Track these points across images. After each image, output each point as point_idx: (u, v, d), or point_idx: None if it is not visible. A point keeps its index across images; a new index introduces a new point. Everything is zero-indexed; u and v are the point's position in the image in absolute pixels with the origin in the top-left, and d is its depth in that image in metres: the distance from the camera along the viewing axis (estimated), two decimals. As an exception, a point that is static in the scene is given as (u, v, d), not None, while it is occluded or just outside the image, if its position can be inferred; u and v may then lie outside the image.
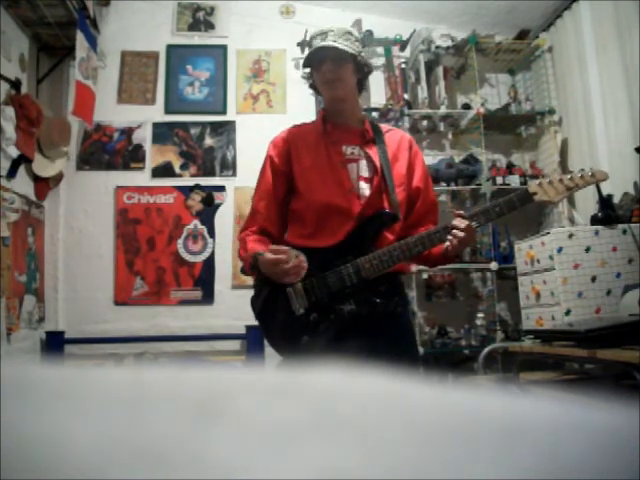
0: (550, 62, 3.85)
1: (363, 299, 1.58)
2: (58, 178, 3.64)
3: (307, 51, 1.69)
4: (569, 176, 1.59)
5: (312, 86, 1.78)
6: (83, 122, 3.62)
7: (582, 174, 1.59)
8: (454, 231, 1.54)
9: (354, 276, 1.57)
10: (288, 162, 1.70)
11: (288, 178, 1.70)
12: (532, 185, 1.60)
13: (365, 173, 1.68)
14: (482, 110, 3.61)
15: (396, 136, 1.77)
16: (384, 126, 1.81)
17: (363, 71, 1.72)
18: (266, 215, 1.70)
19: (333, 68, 1.64)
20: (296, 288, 1.60)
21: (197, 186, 3.81)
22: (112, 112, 3.83)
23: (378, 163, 1.67)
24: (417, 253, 1.58)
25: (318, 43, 1.63)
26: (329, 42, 1.62)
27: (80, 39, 3.28)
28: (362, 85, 1.77)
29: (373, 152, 1.69)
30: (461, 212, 1.59)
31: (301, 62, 3.87)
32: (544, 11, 3.73)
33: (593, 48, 3.37)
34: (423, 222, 1.72)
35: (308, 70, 1.74)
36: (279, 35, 3.99)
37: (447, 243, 1.55)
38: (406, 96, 3.76)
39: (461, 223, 1.54)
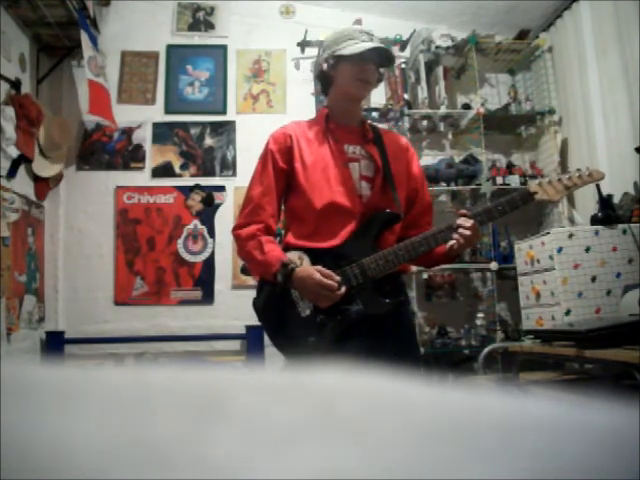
0: (550, 62, 3.85)
1: (369, 299, 1.58)
2: (58, 178, 3.64)
3: (347, 43, 1.63)
4: (567, 176, 1.63)
5: (323, 74, 1.72)
6: (104, 121, 3.63)
7: (580, 174, 1.63)
8: (460, 230, 1.54)
9: (360, 276, 1.57)
10: (289, 159, 1.67)
11: (287, 175, 1.68)
12: (532, 185, 1.64)
13: (367, 173, 1.68)
14: (482, 110, 3.61)
15: (393, 137, 1.80)
16: (381, 128, 1.84)
17: (377, 82, 1.75)
18: (270, 212, 1.65)
19: (375, 71, 1.67)
20: None
21: (197, 186, 3.81)
22: (112, 112, 3.83)
23: (379, 163, 1.67)
24: (422, 252, 1.58)
25: (367, 41, 1.63)
26: (382, 45, 1.65)
27: (85, 39, 3.28)
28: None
29: (374, 152, 1.69)
30: (465, 211, 1.60)
31: (301, 62, 3.89)
32: (544, 11, 3.73)
33: (593, 48, 3.36)
34: (419, 223, 1.73)
35: (327, 54, 1.66)
36: (279, 35, 3.99)
37: (452, 242, 1.56)
38: (406, 96, 3.76)
39: (466, 222, 1.55)
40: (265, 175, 1.68)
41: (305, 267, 1.55)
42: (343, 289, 1.54)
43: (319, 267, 1.55)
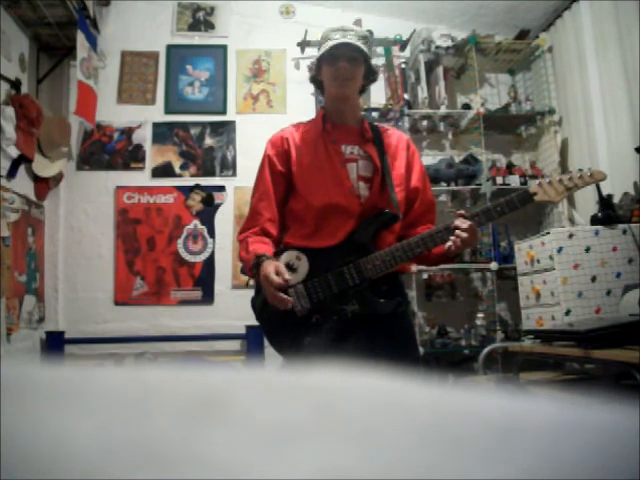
0: (550, 62, 3.85)
1: (366, 299, 1.58)
2: (58, 178, 3.64)
3: (324, 45, 1.65)
4: (568, 176, 1.61)
5: (314, 79, 1.77)
6: (84, 122, 3.63)
7: (581, 174, 1.61)
8: (457, 231, 1.53)
9: (356, 276, 1.57)
10: (287, 162, 1.69)
11: (287, 178, 1.69)
12: (532, 185, 1.62)
13: (364, 173, 1.68)
14: (482, 110, 3.61)
15: (394, 136, 1.77)
16: (382, 126, 1.82)
17: (369, 77, 1.73)
18: (267, 216, 1.68)
19: (349, 67, 1.63)
20: (298, 289, 1.59)
21: (197, 186, 3.81)
22: (112, 112, 3.83)
23: (378, 163, 1.67)
24: (419, 253, 1.58)
25: (338, 39, 1.62)
26: (351, 40, 1.61)
27: (81, 39, 3.29)
28: (364, 90, 1.78)
29: (372, 152, 1.68)
30: (463, 212, 1.59)
31: (301, 62, 3.90)
32: (544, 11, 3.73)
33: (593, 48, 3.36)
34: (421, 222, 1.72)
35: (310, 62, 1.74)
36: (279, 35, 3.99)
37: (449, 243, 1.55)
38: (406, 96, 3.76)
39: (463, 223, 1.53)
40: (262, 181, 1.71)
41: (272, 261, 1.54)
42: (289, 300, 1.52)
43: (282, 266, 1.53)
